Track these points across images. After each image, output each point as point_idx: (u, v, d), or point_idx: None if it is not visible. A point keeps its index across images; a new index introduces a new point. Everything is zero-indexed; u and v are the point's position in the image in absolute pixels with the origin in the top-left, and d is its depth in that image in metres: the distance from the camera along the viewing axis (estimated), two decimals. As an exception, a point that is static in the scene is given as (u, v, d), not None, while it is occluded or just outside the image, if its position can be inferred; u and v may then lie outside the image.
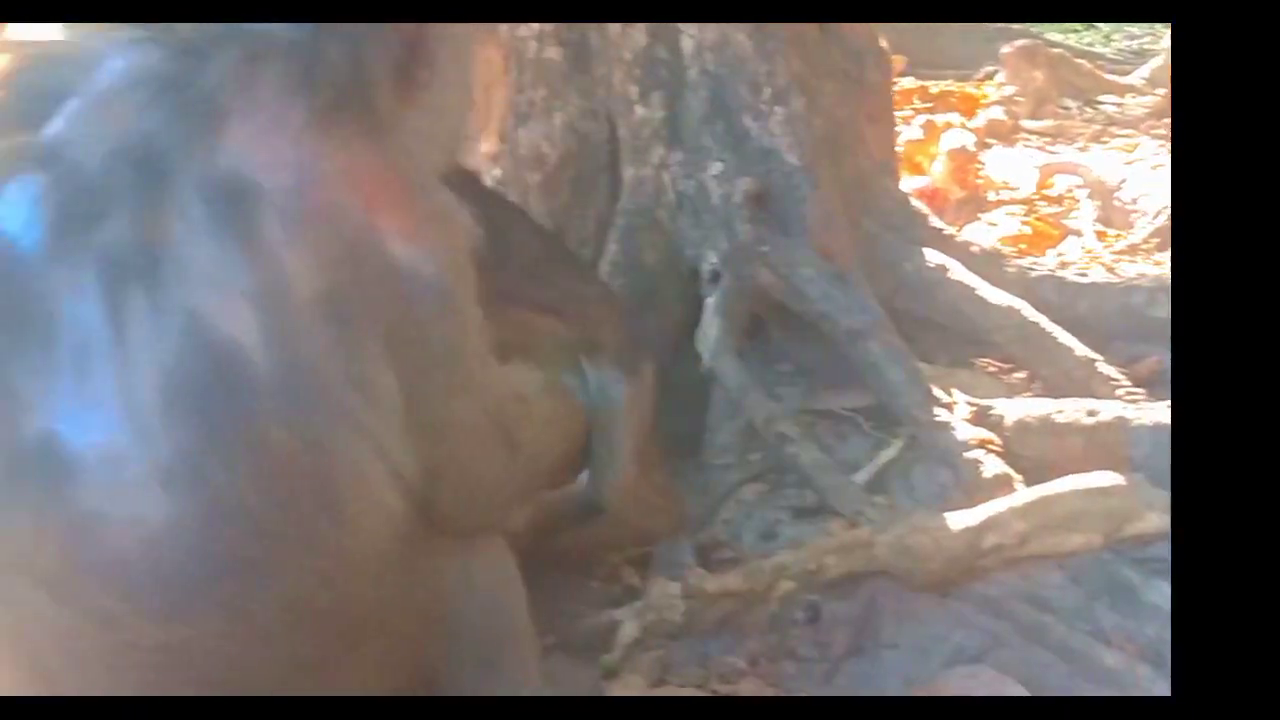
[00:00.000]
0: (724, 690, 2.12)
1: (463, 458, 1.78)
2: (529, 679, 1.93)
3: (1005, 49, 5.05)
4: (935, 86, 5.01)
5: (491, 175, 2.94)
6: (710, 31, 2.64)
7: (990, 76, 5.24)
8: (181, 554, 1.56)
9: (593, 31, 2.73)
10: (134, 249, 1.61)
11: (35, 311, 1.59)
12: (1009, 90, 4.96)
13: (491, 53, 2.86)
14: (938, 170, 3.99)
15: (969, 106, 4.76)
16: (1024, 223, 3.76)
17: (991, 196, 4.01)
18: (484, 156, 3.03)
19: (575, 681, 2.12)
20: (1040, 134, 4.68)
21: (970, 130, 4.32)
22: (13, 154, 1.68)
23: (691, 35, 2.66)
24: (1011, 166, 4.25)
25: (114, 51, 1.73)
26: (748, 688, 2.11)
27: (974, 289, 2.66)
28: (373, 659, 1.76)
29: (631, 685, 2.11)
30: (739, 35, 2.64)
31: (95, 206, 1.63)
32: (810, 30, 2.71)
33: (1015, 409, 2.43)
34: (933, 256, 2.69)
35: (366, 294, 1.68)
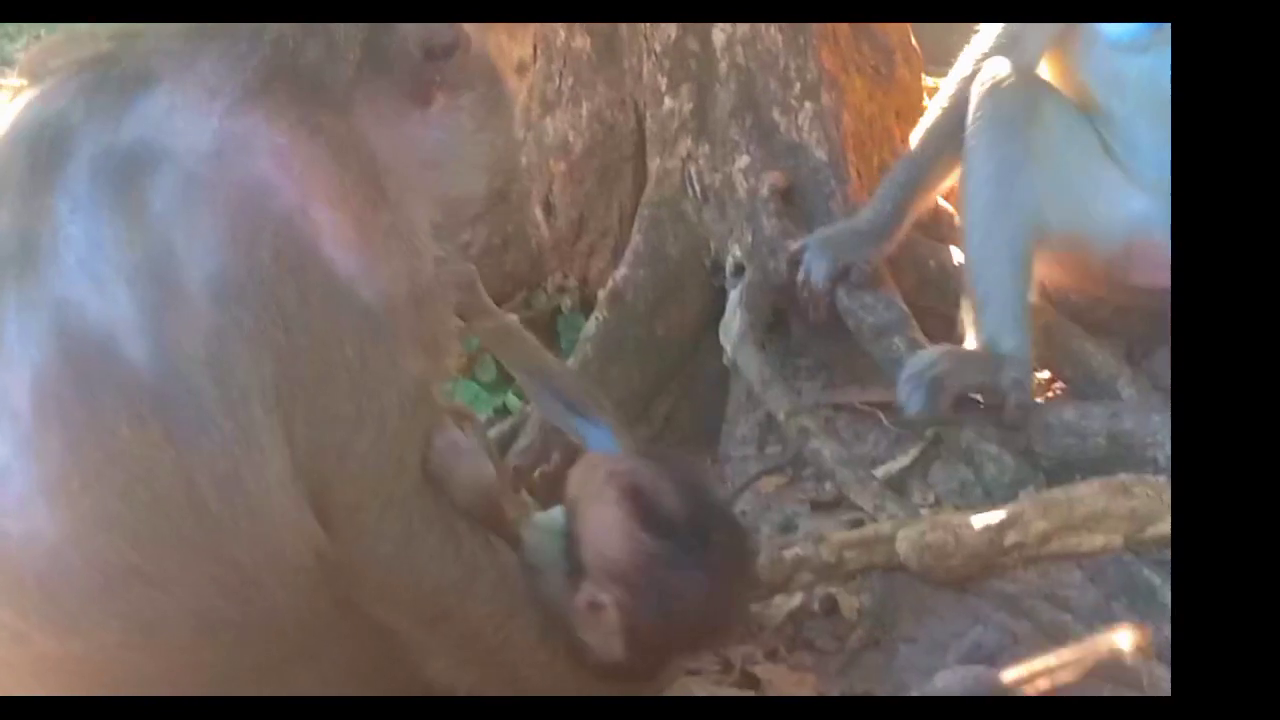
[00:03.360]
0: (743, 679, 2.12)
1: (356, 497, 1.62)
2: (531, 678, 1.84)
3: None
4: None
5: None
6: (742, 25, 2.65)
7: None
8: (70, 567, 1.48)
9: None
10: (11, 239, 1.51)
11: None
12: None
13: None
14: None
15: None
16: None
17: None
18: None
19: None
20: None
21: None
22: None
23: (723, 29, 2.66)
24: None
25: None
26: (766, 676, 2.11)
27: (998, 289, 2.64)
28: (339, 664, 1.67)
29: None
30: (770, 30, 2.65)
31: None
32: (842, 26, 2.71)
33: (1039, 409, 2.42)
34: (957, 254, 2.69)
35: (267, 283, 1.52)
